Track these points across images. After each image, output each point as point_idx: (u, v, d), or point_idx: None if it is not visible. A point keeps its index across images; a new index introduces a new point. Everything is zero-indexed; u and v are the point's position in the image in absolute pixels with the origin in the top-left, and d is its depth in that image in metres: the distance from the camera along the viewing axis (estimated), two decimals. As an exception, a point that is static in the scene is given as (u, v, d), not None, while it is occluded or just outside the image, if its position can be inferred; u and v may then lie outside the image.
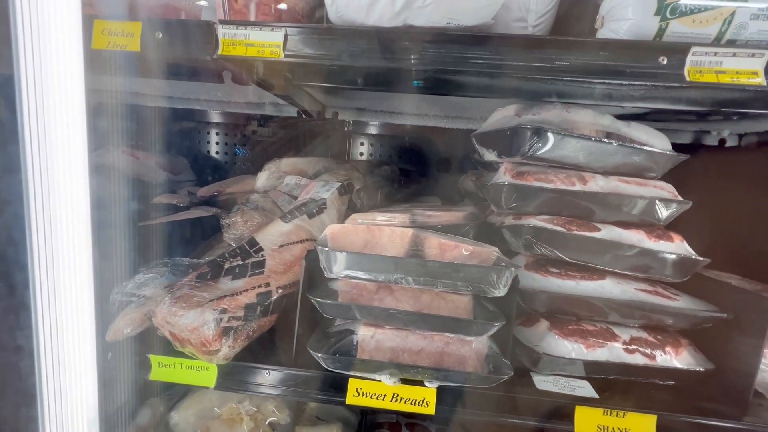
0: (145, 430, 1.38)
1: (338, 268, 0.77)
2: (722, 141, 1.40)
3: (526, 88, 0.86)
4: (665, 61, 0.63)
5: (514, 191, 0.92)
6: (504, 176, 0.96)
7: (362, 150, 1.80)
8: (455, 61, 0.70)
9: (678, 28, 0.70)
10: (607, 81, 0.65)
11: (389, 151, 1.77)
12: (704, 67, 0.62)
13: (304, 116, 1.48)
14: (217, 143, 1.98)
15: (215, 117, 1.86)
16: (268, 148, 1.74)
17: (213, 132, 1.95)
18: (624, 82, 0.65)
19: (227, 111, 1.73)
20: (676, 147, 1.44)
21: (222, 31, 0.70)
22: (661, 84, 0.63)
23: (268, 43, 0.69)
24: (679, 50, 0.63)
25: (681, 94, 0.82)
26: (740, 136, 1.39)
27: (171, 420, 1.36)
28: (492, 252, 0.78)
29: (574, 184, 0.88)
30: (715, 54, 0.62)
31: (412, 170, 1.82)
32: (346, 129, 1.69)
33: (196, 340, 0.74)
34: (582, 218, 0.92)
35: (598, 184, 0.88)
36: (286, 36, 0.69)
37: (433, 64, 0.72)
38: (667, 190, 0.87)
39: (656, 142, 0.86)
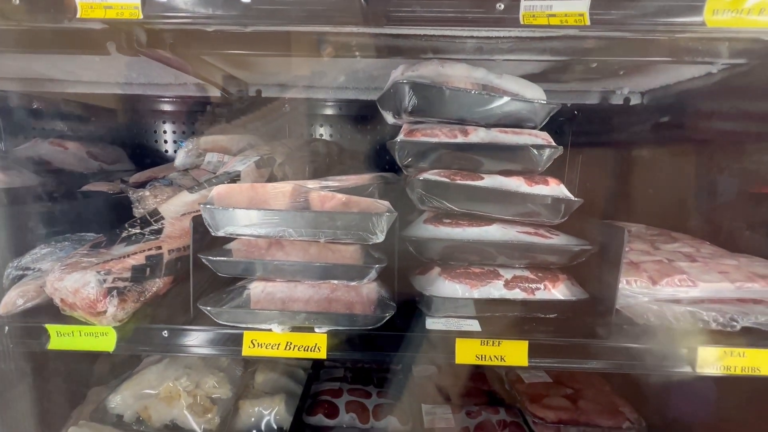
0: (84, 413, 1.39)
1: (223, 225, 0.79)
2: (627, 100, 1.49)
3: (403, 46, 0.90)
4: (501, 7, 0.67)
5: (405, 148, 0.96)
6: (399, 136, 1.00)
7: (321, 131, 1.83)
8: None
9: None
10: (450, 30, 0.69)
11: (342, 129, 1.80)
12: (537, 11, 0.67)
13: (227, 95, 1.48)
14: (164, 132, 1.99)
15: (162, 105, 1.87)
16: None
17: (160, 122, 1.96)
18: (465, 30, 0.69)
19: (170, 97, 1.74)
20: (586, 107, 1.53)
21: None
22: (500, 29, 0.68)
23: (126, 4, 0.70)
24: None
25: (544, 45, 0.87)
26: (642, 94, 1.48)
27: (109, 403, 1.37)
28: (372, 202, 0.82)
29: (456, 137, 0.93)
30: (546, -2, 0.66)
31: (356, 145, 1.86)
32: (284, 109, 1.70)
33: (82, 302, 0.75)
34: (470, 170, 0.97)
35: (479, 135, 0.93)
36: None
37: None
38: (542, 137, 0.93)
39: (527, 92, 0.92)
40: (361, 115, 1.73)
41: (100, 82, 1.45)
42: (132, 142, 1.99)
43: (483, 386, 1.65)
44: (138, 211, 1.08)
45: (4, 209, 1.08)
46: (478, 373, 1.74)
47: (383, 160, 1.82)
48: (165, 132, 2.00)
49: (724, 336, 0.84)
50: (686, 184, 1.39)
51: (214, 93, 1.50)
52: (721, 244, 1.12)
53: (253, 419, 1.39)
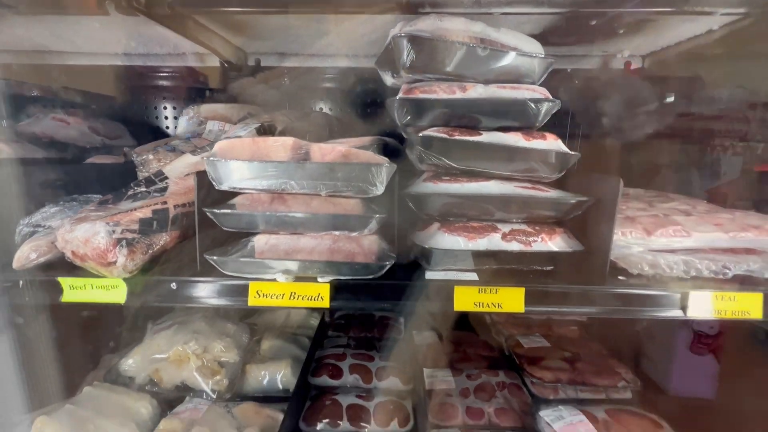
0: (97, 378, 1.45)
1: (226, 178, 0.81)
2: (628, 63, 1.48)
3: (398, 1, 0.90)
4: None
5: (404, 106, 0.97)
6: (399, 95, 1.01)
7: (321, 105, 1.83)
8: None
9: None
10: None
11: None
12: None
13: (227, 66, 1.48)
14: (164, 108, 1.99)
15: (161, 81, 1.87)
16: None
17: (161, 98, 1.96)
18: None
19: (169, 72, 1.74)
20: (586, 72, 1.52)
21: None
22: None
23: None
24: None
25: (542, -4, 0.87)
26: (643, 58, 1.46)
27: (121, 366, 1.42)
28: (371, 154, 0.84)
29: (455, 93, 0.93)
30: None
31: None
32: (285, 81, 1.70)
33: (92, 252, 0.78)
34: (470, 128, 0.98)
35: (477, 91, 0.94)
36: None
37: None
38: (539, 92, 0.93)
39: (525, 46, 0.92)
40: (362, 85, 1.72)
41: (100, 52, 1.45)
42: (133, 119, 1.99)
43: (484, 353, 1.70)
44: (142, 175, 1.10)
45: (11, 175, 1.10)
46: (480, 340, 1.79)
47: (386, 134, 1.82)
48: (165, 108, 2.00)
49: (717, 283, 0.87)
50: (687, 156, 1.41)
51: (214, 63, 1.50)
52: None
53: (259, 381, 1.45)
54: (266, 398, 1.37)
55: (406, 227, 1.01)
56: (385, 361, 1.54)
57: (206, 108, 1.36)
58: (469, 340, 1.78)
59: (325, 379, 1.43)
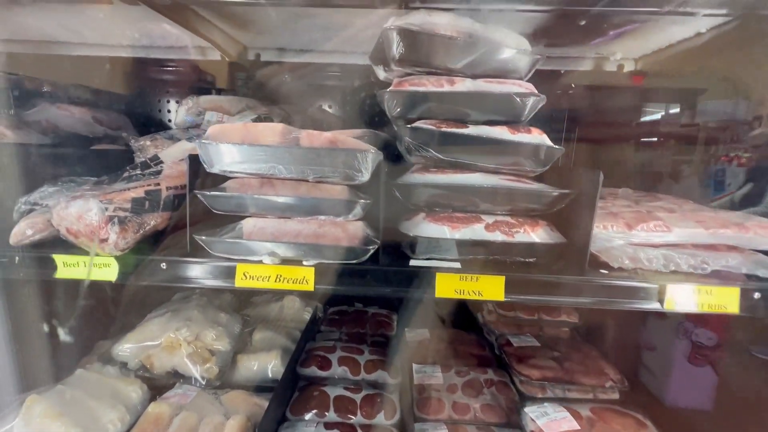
0: (90, 362, 1.47)
1: (217, 161, 0.84)
2: (620, 66, 1.50)
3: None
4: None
5: (394, 98, 1.00)
6: (390, 87, 1.04)
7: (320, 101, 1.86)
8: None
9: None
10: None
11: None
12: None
13: (227, 59, 1.52)
14: (167, 102, 2.03)
15: (165, 75, 1.91)
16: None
17: (164, 91, 2.00)
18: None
19: (172, 65, 1.78)
20: (580, 73, 1.54)
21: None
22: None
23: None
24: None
25: (529, -8, 0.90)
26: (635, 61, 1.49)
27: (114, 351, 1.44)
28: (358, 141, 0.86)
29: (443, 86, 0.96)
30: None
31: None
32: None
33: (85, 228, 0.81)
34: (458, 121, 1.01)
35: (465, 85, 0.96)
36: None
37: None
38: (525, 86, 0.96)
39: (512, 41, 0.94)
40: (360, 84, 1.76)
41: (103, 44, 1.50)
42: (136, 111, 2.04)
43: (474, 351, 1.71)
44: (139, 159, 1.14)
45: (14, 159, 1.14)
46: (470, 339, 1.80)
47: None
48: (168, 102, 2.04)
49: (696, 278, 0.88)
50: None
51: (215, 57, 1.54)
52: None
53: (250, 371, 1.46)
54: (256, 388, 1.39)
55: (394, 218, 1.03)
56: (375, 355, 1.56)
57: (205, 99, 1.39)
58: (461, 338, 1.79)
59: (313, 370, 1.45)
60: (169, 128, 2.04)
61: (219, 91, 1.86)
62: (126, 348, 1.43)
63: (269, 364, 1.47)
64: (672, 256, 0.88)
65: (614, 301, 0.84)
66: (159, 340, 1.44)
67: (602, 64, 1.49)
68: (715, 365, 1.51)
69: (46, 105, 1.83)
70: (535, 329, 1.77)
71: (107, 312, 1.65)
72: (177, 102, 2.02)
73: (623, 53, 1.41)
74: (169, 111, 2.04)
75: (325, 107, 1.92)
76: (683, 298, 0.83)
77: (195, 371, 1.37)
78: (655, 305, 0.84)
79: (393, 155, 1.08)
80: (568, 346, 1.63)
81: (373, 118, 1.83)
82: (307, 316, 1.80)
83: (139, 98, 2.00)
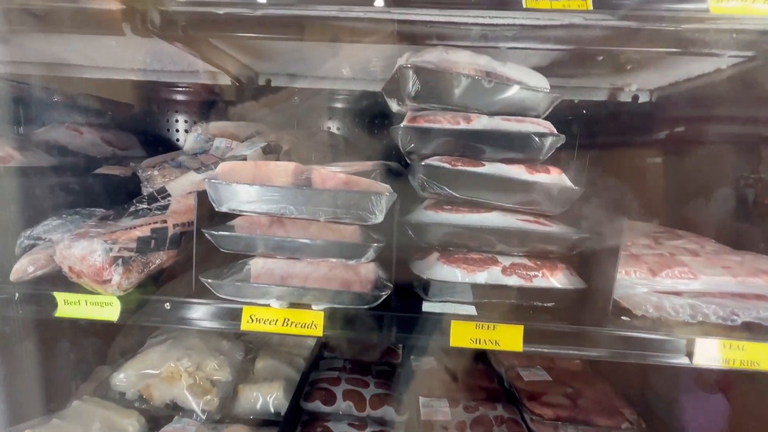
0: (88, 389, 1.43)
1: (226, 200, 0.81)
2: (635, 97, 1.48)
3: (409, 32, 0.92)
4: (506, -9, 0.68)
5: (408, 134, 0.97)
6: (403, 122, 1.02)
7: (329, 124, 1.86)
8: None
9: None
10: (456, 12, 0.71)
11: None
12: (539, -5, 0.68)
13: (237, 84, 1.51)
14: (176, 121, 2.04)
15: (175, 95, 1.93)
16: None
17: (173, 111, 2.01)
18: (470, 15, 0.70)
19: (182, 87, 1.79)
20: (594, 104, 1.52)
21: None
22: (504, 14, 0.69)
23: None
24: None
25: (548, 33, 0.88)
26: (651, 92, 1.47)
27: (112, 380, 1.40)
28: (372, 182, 0.84)
29: (459, 123, 0.93)
30: (548, -17, 0.67)
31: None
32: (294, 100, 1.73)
33: (88, 269, 0.78)
34: (473, 158, 0.98)
35: (481, 122, 0.94)
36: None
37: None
38: (544, 125, 0.93)
39: (531, 80, 0.92)
40: (369, 107, 1.75)
41: (115, 68, 1.50)
42: (145, 130, 2.04)
43: (482, 383, 1.65)
44: (146, 190, 1.11)
45: (19, 185, 1.12)
46: (478, 369, 1.74)
47: (390, 155, 1.83)
48: (177, 121, 2.04)
49: (725, 330, 0.83)
50: (697, 188, 1.38)
51: (225, 82, 1.53)
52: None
53: (251, 403, 1.41)
54: (257, 422, 1.34)
55: (406, 253, 0.99)
56: (381, 387, 1.50)
57: (214, 125, 1.38)
58: (468, 368, 1.73)
59: (317, 405, 1.40)
60: (178, 147, 2.04)
61: (228, 107, 1.85)
62: (124, 377, 1.39)
63: (271, 396, 1.42)
64: (699, 306, 0.83)
65: (639, 354, 0.80)
66: (159, 370, 1.40)
67: (617, 95, 1.47)
68: (727, 392, 1.45)
69: (55, 124, 1.84)
70: (546, 360, 1.71)
71: (107, 335, 1.61)
72: (186, 121, 2.02)
73: (639, 84, 1.39)
74: (177, 130, 2.05)
75: (334, 129, 1.91)
76: (713, 354, 0.79)
77: (195, 404, 1.32)
78: (683, 360, 0.79)
79: (404, 187, 1.05)
80: (580, 381, 1.57)
81: (383, 141, 1.82)
82: (311, 342, 1.75)
83: (148, 116, 2.01)
